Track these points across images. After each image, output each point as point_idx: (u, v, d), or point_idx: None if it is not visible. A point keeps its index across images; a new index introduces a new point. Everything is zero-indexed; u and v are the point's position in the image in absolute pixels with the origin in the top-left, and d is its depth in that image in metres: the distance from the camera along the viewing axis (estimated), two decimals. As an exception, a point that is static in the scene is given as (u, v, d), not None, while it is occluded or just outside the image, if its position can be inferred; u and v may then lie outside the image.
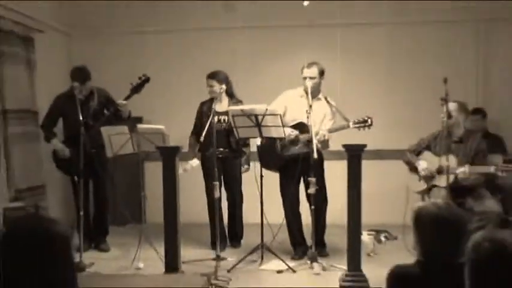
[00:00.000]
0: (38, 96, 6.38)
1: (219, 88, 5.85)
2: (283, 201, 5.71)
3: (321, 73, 5.58)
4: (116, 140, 5.40)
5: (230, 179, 6.10)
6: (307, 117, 5.18)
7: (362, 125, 5.28)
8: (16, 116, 6.02)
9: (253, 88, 6.23)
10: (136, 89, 5.66)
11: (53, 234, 2.02)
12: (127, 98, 5.67)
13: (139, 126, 5.60)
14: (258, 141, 5.54)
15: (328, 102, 5.65)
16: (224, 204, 6.17)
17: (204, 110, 5.98)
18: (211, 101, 5.84)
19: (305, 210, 5.52)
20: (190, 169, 5.65)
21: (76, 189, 5.75)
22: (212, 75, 5.92)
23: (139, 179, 6.00)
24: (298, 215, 5.74)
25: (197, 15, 7.32)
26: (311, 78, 5.50)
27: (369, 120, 5.28)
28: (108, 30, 7.50)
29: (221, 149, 5.89)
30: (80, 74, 5.86)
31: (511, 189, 6.25)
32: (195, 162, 5.73)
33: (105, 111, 5.90)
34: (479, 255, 1.98)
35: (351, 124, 5.32)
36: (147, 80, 5.69)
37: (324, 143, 5.40)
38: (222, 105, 5.92)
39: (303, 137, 5.40)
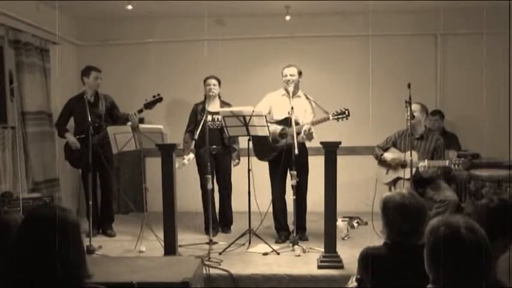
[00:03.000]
0: (52, 100, 6.37)
1: (218, 88, 5.94)
2: (272, 190, 5.67)
3: (299, 73, 5.56)
4: (121, 138, 5.38)
5: (222, 172, 6.05)
6: (290, 117, 5.18)
7: (341, 116, 5.22)
8: (33, 118, 6.01)
9: (239, 92, 6.22)
10: (149, 105, 5.65)
11: (65, 221, 2.03)
12: (139, 111, 5.65)
13: (141, 126, 5.57)
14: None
15: (307, 98, 5.63)
16: (216, 195, 6.14)
17: (198, 110, 5.96)
18: (203, 102, 5.85)
19: (288, 199, 5.54)
20: (187, 163, 5.62)
21: (85, 182, 5.72)
22: (213, 77, 5.96)
23: (141, 173, 5.99)
24: (284, 203, 5.70)
25: (191, 28, 7.30)
26: (291, 75, 5.48)
27: (347, 112, 5.22)
28: (112, 42, 7.46)
29: (214, 146, 5.87)
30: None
31: (463, 179, 6.32)
32: (191, 156, 5.70)
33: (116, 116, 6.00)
34: (436, 237, 2.00)
35: (330, 116, 5.26)
36: (159, 99, 5.66)
37: (309, 135, 5.32)
38: (215, 106, 5.89)
39: (290, 130, 5.36)
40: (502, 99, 7.08)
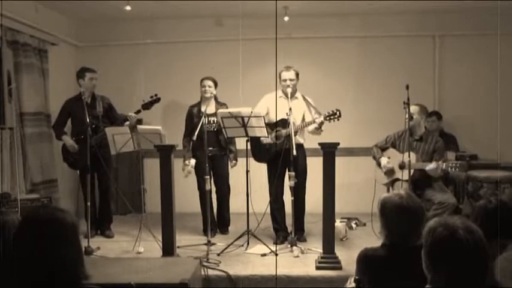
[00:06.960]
0: (50, 101, 6.36)
1: (214, 89, 5.88)
2: (270, 191, 5.64)
3: (297, 75, 5.57)
4: (119, 139, 5.38)
5: (219, 174, 6.01)
6: (288, 118, 5.18)
7: (332, 117, 5.21)
8: (31, 119, 6.01)
9: (237, 92, 6.20)
10: (147, 105, 5.67)
11: (64, 222, 2.02)
12: (137, 112, 5.67)
13: (139, 127, 5.57)
14: (265, 140, 5.49)
15: (305, 99, 5.61)
16: (214, 196, 6.12)
17: (194, 112, 5.91)
18: (199, 104, 5.83)
19: (287, 200, 5.54)
20: (192, 169, 5.66)
21: (83, 183, 5.71)
22: (209, 78, 5.91)
23: (139, 174, 5.99)
24: (282, 204, 5.69)
25: (190, 29, 7.30)
26: (291, 80, 5.47)
27: (338, 113, 5.20)
28: (111, 43, 7.46)
29: (211, 148, 5.84)
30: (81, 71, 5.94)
31: (461, 180, 6.33)
32: (193, 161, 5.71)
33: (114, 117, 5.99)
34: (434, 238, 2.01)
35: (322, 117, 5.24)
36: (157, 100, 5.68)
37: (319, 129, 5.32)
38: (210, 107, 5.85)
39: (285, 131, 5.34)
40: (500, 100, 7.10)
